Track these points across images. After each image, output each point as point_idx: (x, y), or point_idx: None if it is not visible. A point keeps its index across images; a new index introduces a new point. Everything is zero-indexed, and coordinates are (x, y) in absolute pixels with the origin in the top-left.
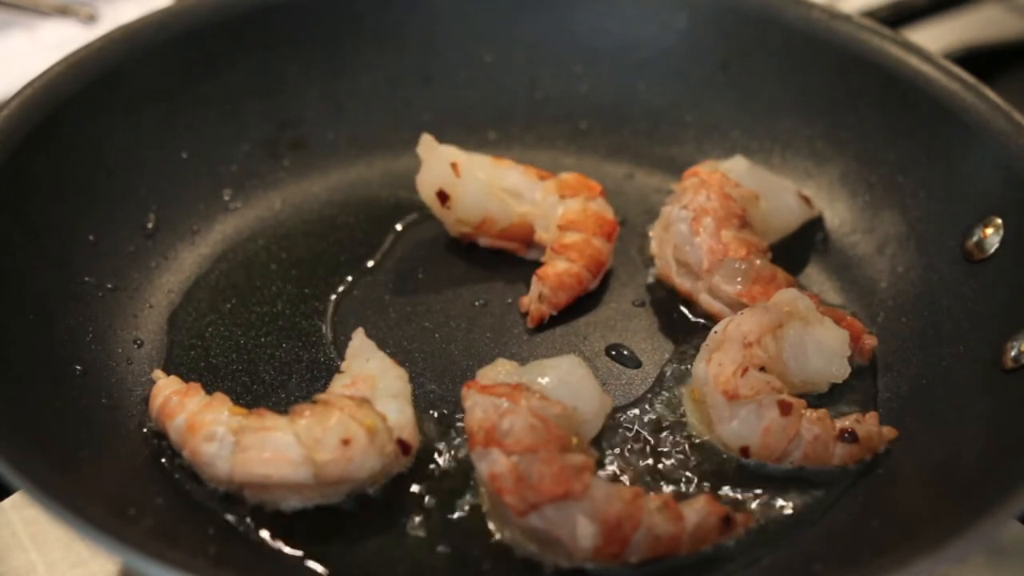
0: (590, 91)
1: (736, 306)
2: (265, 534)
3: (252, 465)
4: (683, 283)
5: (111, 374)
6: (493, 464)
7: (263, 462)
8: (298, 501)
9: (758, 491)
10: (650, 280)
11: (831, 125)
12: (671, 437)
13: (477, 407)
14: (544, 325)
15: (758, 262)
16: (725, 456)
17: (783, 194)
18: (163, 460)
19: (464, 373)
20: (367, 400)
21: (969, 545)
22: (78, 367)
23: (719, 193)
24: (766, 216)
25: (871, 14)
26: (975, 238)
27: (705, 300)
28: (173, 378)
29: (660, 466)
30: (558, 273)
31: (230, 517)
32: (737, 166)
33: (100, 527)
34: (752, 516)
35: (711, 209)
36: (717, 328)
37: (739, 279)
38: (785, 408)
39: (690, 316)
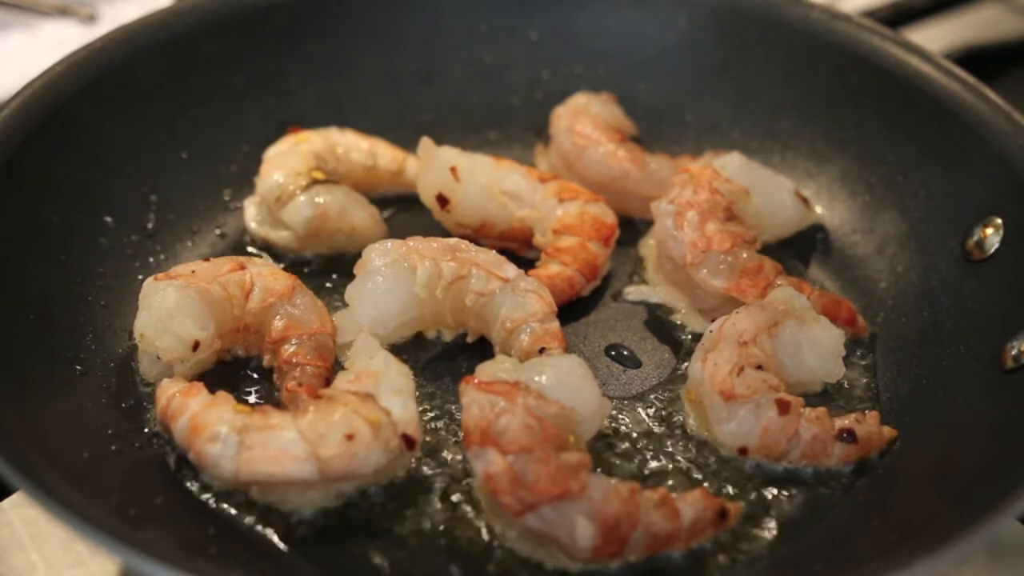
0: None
1: (717, 310)
2: (265, 534)
3: (257, 464)
4: (667, 294)
5: (111, 374)
6: (489, 464)
7: (268, 460)
8: (303, 500)
9: (757, 491)
10: (631, 296)
11: (831, 125)
12: (670, 436)
13: (474, 405)
14: None
15: (744, 255)
16: (724, 455)
17: (778, 190)
18: (164, 460)
19: (465, 371)
20: (371, 395)
21: (969, 545)
22: (78, 367)
23: (706, 188)
24: (759, 211)
25: (871, 14)
26: (975, 238)
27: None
28: (177, 378)
29: (658, 465)
30: (550, 275)
31: (230, 517)
32: (731, 162)
33: (100, 527)
34: (742, 506)
35: (696, 203)
36: (712, 327)
37: (725, 273)
38: (784, 407)
39: None
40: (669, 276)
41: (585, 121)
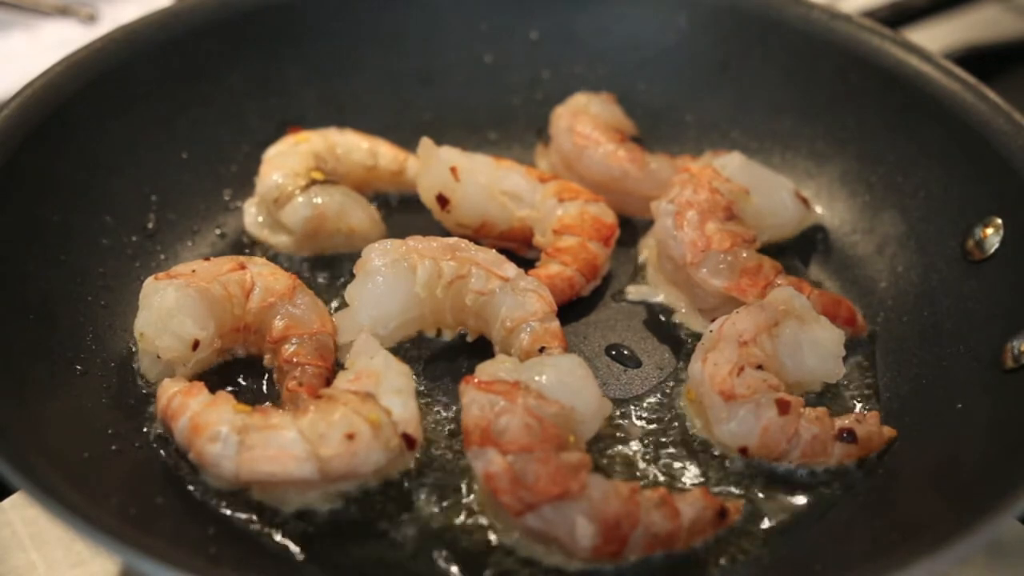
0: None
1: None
2: (265, 534)
3: (258, 464)
4: (667, 294)
5: (111, 374)
6: (489, 464)
7: (268, 460)
8: (304, 500)
9: (757, 490)
10: (631, 296)
11: (831, 125)
12: (670, 436)
13: (474, 404)
14: None
15: (744, 254)
16: (724, 455)
17: (778, 191)
18: (164, 459)
19: (465, 371)
20: (371, 395)
21: (969, 545)
22: (78, 367)
23: (706, 187)
24: (759, 211)
25: (871, 14)
26: (975, 238)
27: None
28: (177, 378)
29: (659, 465)
30: (550, 275)
31: (230, 517)
32: (731, 161)
33: (100, 527)
34: (742, 506)
35: (695, 203)
36: (712, 327)
37: (725, 272)
38: (784, 407)
39: None
40: (669, 276)
41: (585, 121)
